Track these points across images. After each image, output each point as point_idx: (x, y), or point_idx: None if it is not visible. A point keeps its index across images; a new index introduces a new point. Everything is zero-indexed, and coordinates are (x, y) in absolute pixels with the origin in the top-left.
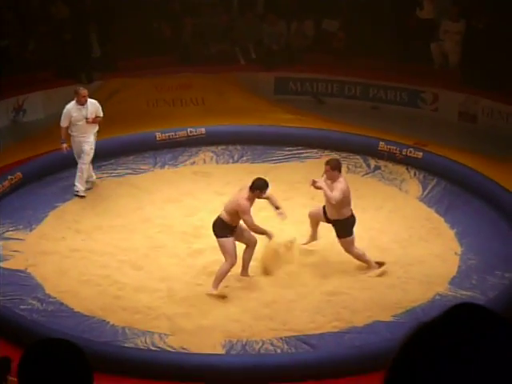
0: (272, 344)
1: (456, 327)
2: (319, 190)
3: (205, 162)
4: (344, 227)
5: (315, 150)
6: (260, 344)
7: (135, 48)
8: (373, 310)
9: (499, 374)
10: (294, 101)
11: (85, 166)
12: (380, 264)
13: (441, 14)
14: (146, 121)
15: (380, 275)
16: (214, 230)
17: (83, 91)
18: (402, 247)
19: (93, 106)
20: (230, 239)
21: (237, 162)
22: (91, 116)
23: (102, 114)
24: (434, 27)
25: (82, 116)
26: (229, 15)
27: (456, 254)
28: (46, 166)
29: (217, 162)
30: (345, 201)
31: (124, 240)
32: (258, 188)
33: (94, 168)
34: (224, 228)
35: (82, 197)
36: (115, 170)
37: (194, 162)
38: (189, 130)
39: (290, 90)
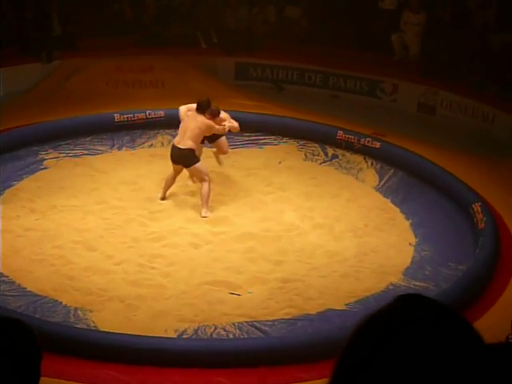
0: (224, 329)
1: (402, 318)
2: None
3: (163, 145)
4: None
5: (273, 137)
6: (212, 329)
7: (96, 28)
8: (326, 298)
9: (441, 364)
10: (254, 87)
11: None
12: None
13: (402, 5)
14: (105, 102)
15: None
16: (185, 162)
17: None
18: (357, 236)
19: None
20: (202, 161)
21: None
22: None
23: None
24: (395, 18)
25: None
26: None
27: (410, 244)
28: (3, 144)
29: None
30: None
31: (79, 220)
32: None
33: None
34: (194, 155)
35: None
36: (72, 150)
37: (151, 145)
38: (148, 112)
39: (250, 76)
